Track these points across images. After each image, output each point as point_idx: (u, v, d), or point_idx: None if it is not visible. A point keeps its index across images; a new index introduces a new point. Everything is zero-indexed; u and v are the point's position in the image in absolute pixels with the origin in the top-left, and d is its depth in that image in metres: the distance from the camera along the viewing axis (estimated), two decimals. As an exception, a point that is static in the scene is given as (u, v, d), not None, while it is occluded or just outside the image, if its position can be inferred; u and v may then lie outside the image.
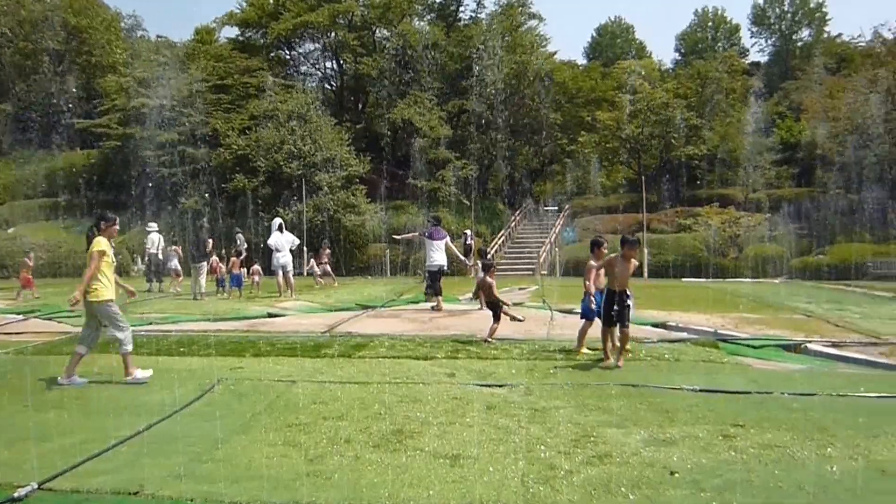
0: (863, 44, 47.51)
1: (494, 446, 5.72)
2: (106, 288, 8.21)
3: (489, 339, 10.98)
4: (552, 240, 35.70)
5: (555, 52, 47.98)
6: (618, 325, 9.11)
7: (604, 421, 6.50)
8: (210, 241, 21.00)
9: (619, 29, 73.79)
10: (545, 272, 28.37)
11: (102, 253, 8.23)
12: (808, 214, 34.56)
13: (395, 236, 21.82)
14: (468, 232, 26.90)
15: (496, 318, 11.28)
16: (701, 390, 7.65)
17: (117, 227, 8.71)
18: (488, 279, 11.57)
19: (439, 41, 39.99)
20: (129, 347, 8.25)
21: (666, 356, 9.67)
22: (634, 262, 9.25)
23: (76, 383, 8.12)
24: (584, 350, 9.86)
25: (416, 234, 17.64)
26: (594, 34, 74.18)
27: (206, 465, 5.36)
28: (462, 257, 16.75)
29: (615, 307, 9.03)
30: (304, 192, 32.10)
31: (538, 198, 47.14)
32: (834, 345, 11.02)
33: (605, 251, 9.71)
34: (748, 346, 10.88)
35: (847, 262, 29.20)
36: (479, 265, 16.15)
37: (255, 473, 5.14)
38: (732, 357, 9.98)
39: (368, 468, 5.20)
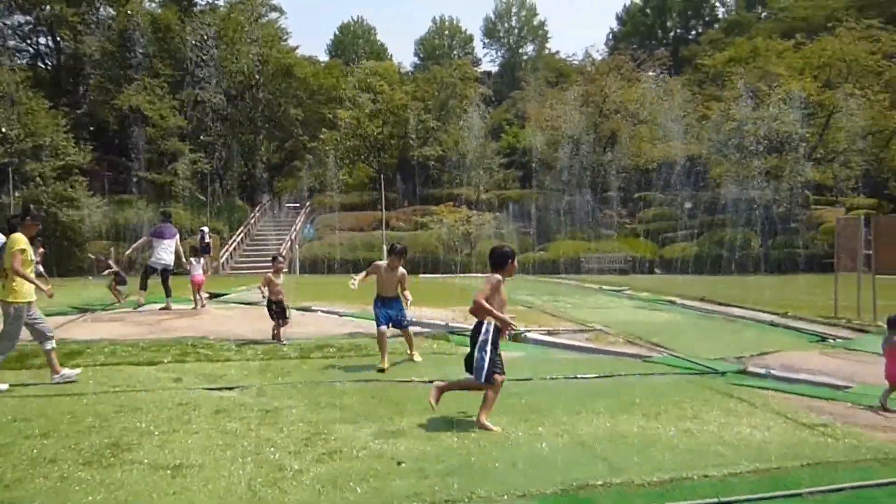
0: (576, 62, 52.50)
1: (221, 452, 5.51)
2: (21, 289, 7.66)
3: (282, 341, 10.61)
4: (293, 237, 35.33)
5: (296, 47, 47.54)
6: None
7: (336, 417, 6.54)
8: None
9: (361, 29, 74.86)
10: (285, 270, 27.96)
11: (23, 251, 7.60)
12: (533, 214, 37.56)
13: (127, 252, 19.83)
14: (205, 229, 25.70)
15: (283, 318, 10.84)
16: (430, 381, 7.94)
17: (40, 226, 8.36)
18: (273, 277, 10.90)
19: (172, 25, 37.74)
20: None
21: (399, 350, 9.92)
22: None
23: (67, 376, 8.01)
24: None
25: (144, 239, 16.36)
26: (336, 32, 74.63)
27: None
28: (183, 259, 15.83)
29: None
30: (11, 184, 28.63)
31: (279, 194, 46.41)
32: (549, 332, 12.06)
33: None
34: (475, 337, 11.51)
35: (565, 257, 32.18)
36: (193, 262, 15.58)
37: (-65, 505, 4.48)
38: (461, 348, 10.48)
39: (76, 489, 4.73)
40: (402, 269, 9.33)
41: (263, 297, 10.96)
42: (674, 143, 36.32)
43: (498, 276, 6.31)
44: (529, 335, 11.72)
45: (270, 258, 11.96)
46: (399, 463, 5.26)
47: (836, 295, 14.84)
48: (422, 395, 7.33)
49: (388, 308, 9.24)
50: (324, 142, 41.85)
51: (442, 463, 5.26)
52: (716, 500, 4.60)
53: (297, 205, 42.38)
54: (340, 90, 43.93)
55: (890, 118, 34.43)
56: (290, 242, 34.39)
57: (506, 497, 4.63)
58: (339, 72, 47.18)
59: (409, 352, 9.66)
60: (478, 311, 6.21)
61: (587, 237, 34.61)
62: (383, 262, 9.42)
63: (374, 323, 9.27)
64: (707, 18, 76.99)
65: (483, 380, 6.21)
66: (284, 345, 10.44)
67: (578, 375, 8.67)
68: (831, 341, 11.83)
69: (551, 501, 4.61)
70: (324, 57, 61.69)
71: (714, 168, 35.82)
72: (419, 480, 4.89)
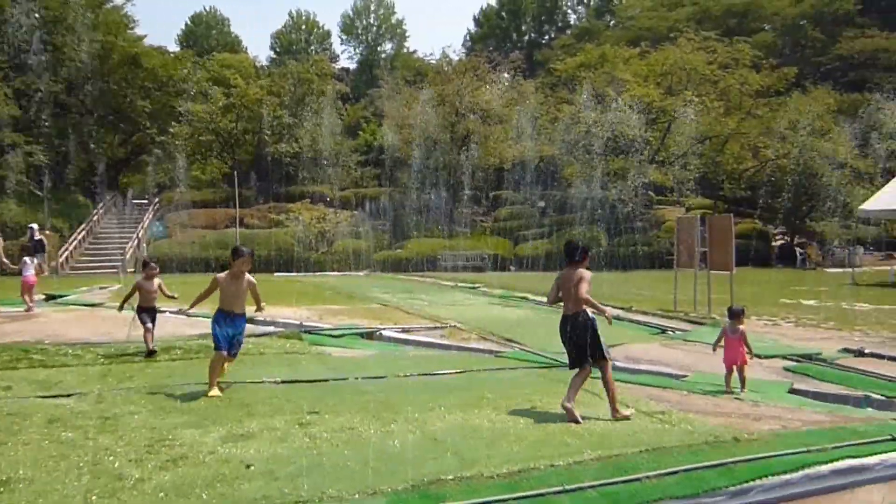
0: (433, 61, 53.05)
1: (55, 464, 5.17)
2: None
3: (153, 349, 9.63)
4: (139, 235, 33.66)
5: (144, 36, 45.29)
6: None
7: (182, 422, 6.30)
8: None
9: (213, 20, 72.40)
10: (131, 269, 26.59)
11: None
12: (389, 212, 37.66)
13: None
14: (34, 227, 23.88)
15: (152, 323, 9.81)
16: (282, 381, 7.81)
17: None
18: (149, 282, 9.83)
19: (4, 6, 34.89)
20: None
21: (251, 350, 9.69)
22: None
23: None
24: None
25: None
26: (188, 22, 71.81)
27: None
28: (4, 259, 14.73)
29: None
30: None
31: (125, 190, 44.00)
32: (404, 330, 12.15)
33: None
34: (329, 335, 11.45)
35: (421, 255, 32.48)
36: (26, 262, 14.57)
37: None
38: (315, 347, 10.42)
39: None
40: (249, 278, 7.72)
41: (130, 307, 9.88)
42: (527, 143, 37.42)
43: (589, 272, 6.81)
44: (385, 333, 11.76)
45: (142, 263, 10.76)
46: (248, 466, 5.13)
47: (676, 290, 15.80)
48: (272, 396, 7.21)
49: (231, 326, 7.59)
50: (173, 136, 40.09)
51: (293, 464, 5.18)
52: (560, 488, 4.74)
53: (145, 201, 40.34)
54: (192, 82, 42.23)
55: (724, 124, 36.98)
56: (136, 241, 32.75)
57: (357, 495, 4.61)
58: (190, 63, 45.31)
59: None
60: (585, 304, 6.67)
61: (443, 235, 35.11)
62: (223, 274, 7.75)
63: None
64: (560, 24, 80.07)
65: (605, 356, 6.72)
66: (155, 351, 9.61)
67: (432, 372, 8.78)
68: (671, 333, 12.60)
69: (402, 497, 4.63)
70: (174, 48, 59.14)
71: (565, 168, 37.25)
72: (268, 483, 4.80)
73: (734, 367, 8.13)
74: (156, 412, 6.63)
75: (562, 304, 6.94)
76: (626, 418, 6.64)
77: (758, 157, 37.10)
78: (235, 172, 36.76)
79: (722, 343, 8.28)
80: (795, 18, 60.85)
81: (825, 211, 34.28)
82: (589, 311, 6.74)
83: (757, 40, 48.43)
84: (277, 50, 72.43)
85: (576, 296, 6.66)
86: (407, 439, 5.86)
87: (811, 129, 35.73)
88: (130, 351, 9.79)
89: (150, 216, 37.29)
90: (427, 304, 16.50)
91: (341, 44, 78.14)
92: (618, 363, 9.46)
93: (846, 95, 46.35)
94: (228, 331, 7.53)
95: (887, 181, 28.02)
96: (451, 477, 4.94)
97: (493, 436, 6.01)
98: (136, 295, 9.77)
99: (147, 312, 9.74)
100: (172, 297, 9.74)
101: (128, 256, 30.34)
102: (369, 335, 11.75)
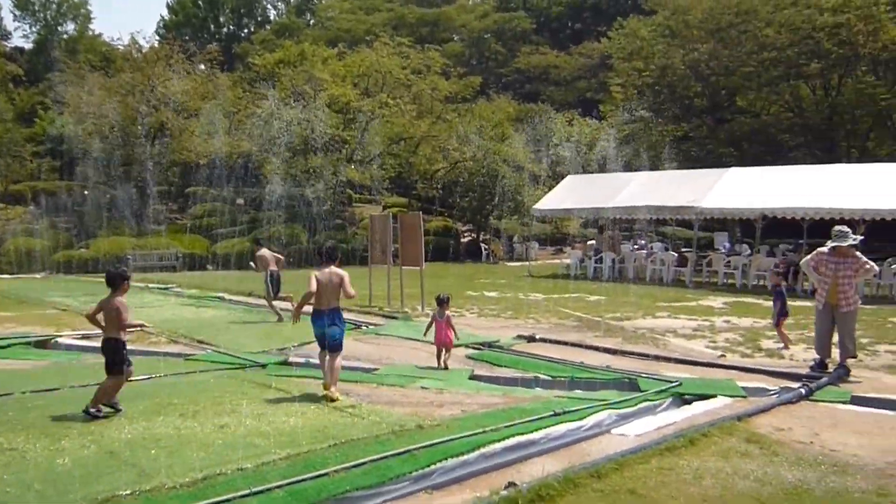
0: (122, 47, 49.43)
1: None
2: None
3: None
4: None
5: None
6: None
7: None
8: None
9: None
10: None
11: None
12: (72, 208, 34.36)
13: None
14: None
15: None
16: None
17: None
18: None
19: None
20: None
21: None
22: None
23: None
24: None
25: None
26: None
27: None
28: None
29: None
30: None
31: None
32: (84, 336, 11.28)
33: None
34: (-5, 347, 10.25)
35: (109, 254, 30.05)
36: None
37: None
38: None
39: None
40: None
41: None
42: (225, 138, 36.33)
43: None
44: (61, 340, 10.81)
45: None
46: None
47: (371, 285, 16.37)
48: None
49: None
50: None
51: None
52: (248, 491, 4.70)
53: None
54: None
55: (417, 127, 38.78)
56: None
57: (15, 523, 4.18)
58: None
59: None
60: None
61: (134, 233, 32.85)
62: None
63: None
64: (259, 19, 78.80)
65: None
66: None
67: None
68: (364, 328, 13.05)
69: (70, 519, 4.26)
70: None
71: (264, 165, 36.74)
72: None
73: (442, 348, 9.42)
74: None
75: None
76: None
77: (448, 159, 39.41)
78: None
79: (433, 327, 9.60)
80: (480, 32, 66.20)
81: (506, 209, 37.46)
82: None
83: (447, 49, 51.84)
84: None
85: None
86: (80, 455, 5.47)
87: (494, 135, 39.02)
88: None
89: None
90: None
91: (14, 20, 69.54)
92: (312, 360, 9.59)
93: (524, 105, 51.34)
94: None
95: (557, 183, 31.06)
96: (128, 492, 4.70)
97: (178, 443, 5.82)
98: None
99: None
100: None
101: None
102: (42, 344, 10.69)
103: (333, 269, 7.76)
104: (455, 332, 9.69)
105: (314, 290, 7.55)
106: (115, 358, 6.76)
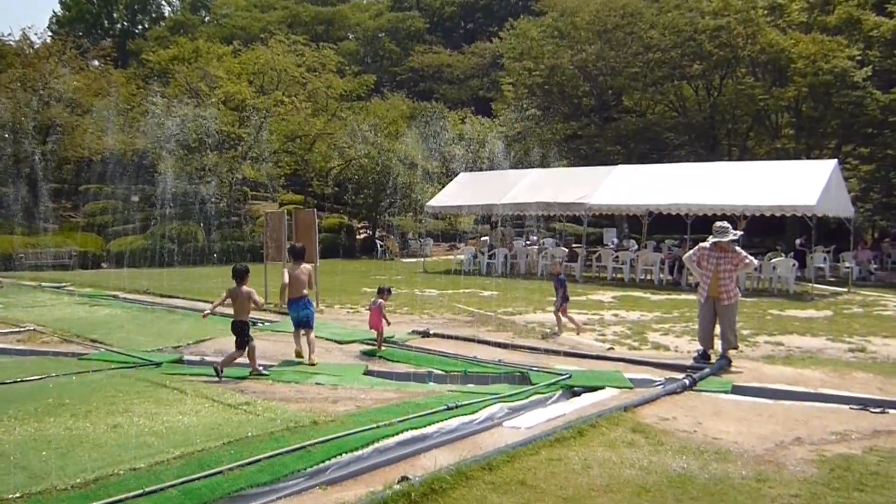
0: (13, 43, 48.12)
1: None
2: None
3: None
4: None
5: None
6: None
7: None
8: None
9: None
10: None
11: None
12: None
13: None
14: None
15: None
16: None
17: None
18: None
19: None
20: None
21: None
22: None
23: None
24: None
25: None
26: None
27: None
28: None
29: None
30: None
31: None
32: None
33: None
34: None
35: (-1, 253, 29.81)
36: None
37: None
38: None
39: None
40: None
41: None
42: (119, 135, 36.22)
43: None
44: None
45: None
46: None
47: (266, 282, 16.04)
48: None
49: None
50: None
51: None
52: (140, 491, 4.70)
53: None
54: None
55: (313, 125, 39.32)
56: None
57: None
58: None
59: None
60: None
61: (24, 231, 32.56)
62: None
63: None
64: (154, 15, 77.47)
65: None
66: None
67: (2, 381, 8.34)
68: (260, 325, 12.86)
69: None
70: None
71: (160, 163, 36.83)
72: None
73: (376, 332, 10.68)
74: None
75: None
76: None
77: (343, 157, 40.18)
78: None
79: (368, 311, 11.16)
80: (375, 31, 67.02)
81: (401, 206, 38.48)
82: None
83: (342, 48, 52.44)
84: None
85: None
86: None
87: (388, 132, 40.01)
88: None
89: None
90: (2, 306, 15.70)
91: None
92: (207, 358, 9.96)
93: (418, 103, 52.33)
94: None
95: (450, 180, 31.81)
96: (17, 495, 4.61)
97: (70, 444, 5.74)
98: None
99: None
100: None
101: None
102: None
103: (303, 266, 10.17)
104: (387, 320, 10.91)
105: (287, 283, 9.85)
106: (244, 337, 8.91)
